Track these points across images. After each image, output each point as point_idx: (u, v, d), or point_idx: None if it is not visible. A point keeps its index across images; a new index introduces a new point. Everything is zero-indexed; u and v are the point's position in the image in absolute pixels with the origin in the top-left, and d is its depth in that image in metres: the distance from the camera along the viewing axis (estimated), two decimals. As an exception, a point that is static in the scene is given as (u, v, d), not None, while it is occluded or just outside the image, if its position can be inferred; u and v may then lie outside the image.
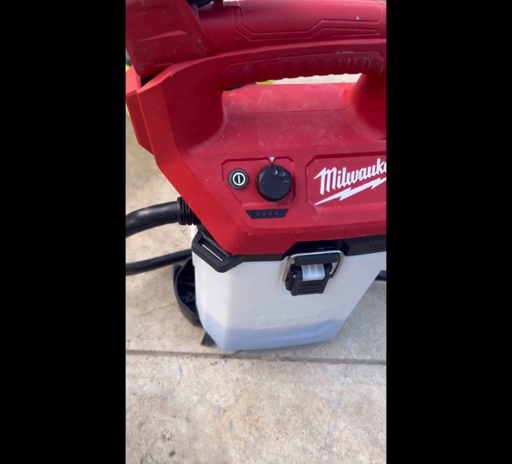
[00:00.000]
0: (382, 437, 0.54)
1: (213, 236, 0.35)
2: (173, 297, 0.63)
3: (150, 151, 0.33)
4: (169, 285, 0.65)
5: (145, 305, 0.63)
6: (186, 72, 0.27)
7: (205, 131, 0.32)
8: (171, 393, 0.55)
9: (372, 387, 0.58)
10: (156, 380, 0.56)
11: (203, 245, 0.37)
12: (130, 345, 0.59)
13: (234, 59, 0.28)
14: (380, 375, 0.59)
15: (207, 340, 0.59)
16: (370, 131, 0.35)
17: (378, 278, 0.51)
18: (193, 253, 0.44)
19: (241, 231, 0.33)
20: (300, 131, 0.34)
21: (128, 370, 0.56)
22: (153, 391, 0.55)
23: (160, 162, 0.33)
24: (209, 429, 0.52)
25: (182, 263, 0.63)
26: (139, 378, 0.56)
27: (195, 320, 0.59)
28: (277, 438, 0.52)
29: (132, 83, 0.30)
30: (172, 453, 0.50)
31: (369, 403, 0.56)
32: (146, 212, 0.39)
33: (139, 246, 0.70)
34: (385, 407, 0.56)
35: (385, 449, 0.53)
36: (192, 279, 0.61)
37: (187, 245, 0.70)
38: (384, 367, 0.60)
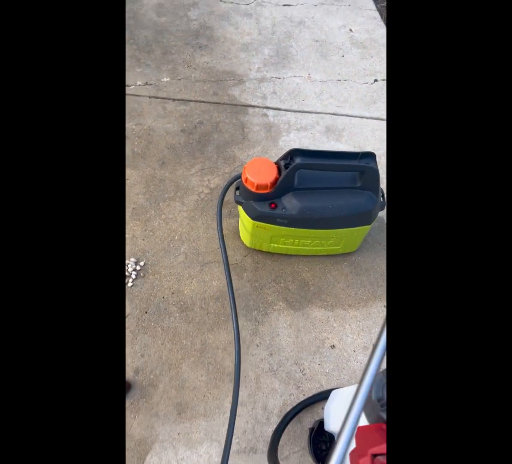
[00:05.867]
0: None
1: None
2: (303, 442, 0.79)
3: None
4: (298, 429, 0.81)
5: (282, 450, 0.79)
6: None
7: None
8: None
9: None
10: None
11: None
12: (276, 490, 0.76)
13: None
14: None
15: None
16: None
17: None
18: None
19: None
20: None
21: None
22: None
23: None
24: None
25: (315, 425, 0.78)
26: None
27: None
28: None
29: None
30: None
31: None
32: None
33: (269, 389, 0.84)
34: None
35: None
36: (319, 437, 0.76)
37: (307, 386, 0.85)
38: None
